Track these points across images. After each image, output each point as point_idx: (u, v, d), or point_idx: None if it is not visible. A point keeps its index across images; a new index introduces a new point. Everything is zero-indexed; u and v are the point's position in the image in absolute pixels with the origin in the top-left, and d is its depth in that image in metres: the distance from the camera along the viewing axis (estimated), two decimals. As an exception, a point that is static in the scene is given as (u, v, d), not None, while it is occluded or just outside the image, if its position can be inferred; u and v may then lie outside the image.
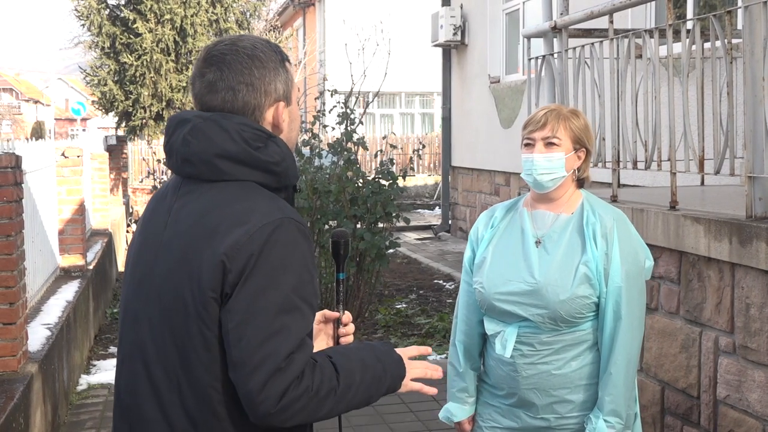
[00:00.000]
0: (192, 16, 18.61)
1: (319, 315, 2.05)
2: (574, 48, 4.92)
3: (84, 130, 47.19)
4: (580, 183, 2.66)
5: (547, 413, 2.58)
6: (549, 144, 2.56)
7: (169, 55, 18.77)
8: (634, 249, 2.56)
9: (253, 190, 1.76)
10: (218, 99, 1.81)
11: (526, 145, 2.61)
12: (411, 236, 13.55)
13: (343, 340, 2.03)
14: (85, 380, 6.10)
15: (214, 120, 1.78)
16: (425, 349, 2.00)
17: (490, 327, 2.65)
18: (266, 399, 1.63)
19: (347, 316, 2.05)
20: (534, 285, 2.53)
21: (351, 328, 2.06)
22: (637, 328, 2.53)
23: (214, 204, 1.75)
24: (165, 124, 2.23)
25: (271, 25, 25.30)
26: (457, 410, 2.79)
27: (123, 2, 19.16)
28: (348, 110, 7.66)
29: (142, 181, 20.22)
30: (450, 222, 13.36)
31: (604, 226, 2.53)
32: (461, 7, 12.39)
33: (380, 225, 7.54)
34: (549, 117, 2.57)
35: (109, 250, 9.34)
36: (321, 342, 2.04)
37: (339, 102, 7.83)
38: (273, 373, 1.63)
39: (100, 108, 20.05)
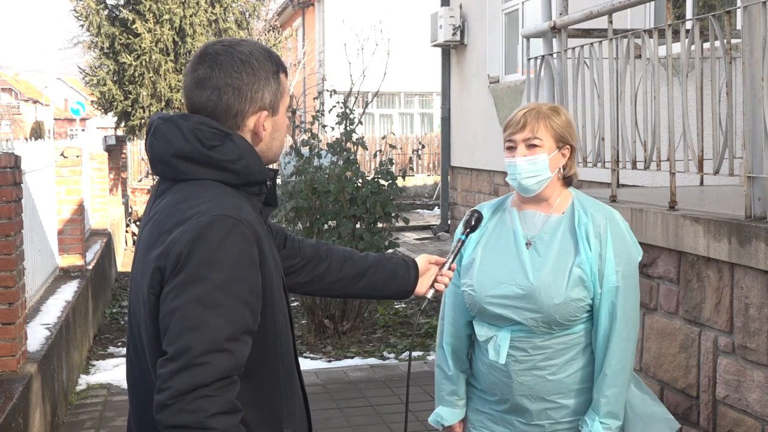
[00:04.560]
0: (191, 16, 18.58)
1: (431, 258, 2.37)
2: (574, 48, 4.92)
3: (83, 130, 47.28)
4: (568, 181, 2.57)
5: (542, 419, 2.53)
6: (531, 146, 2.48)
7: (168, 55, 18.75)
8: (627, 248, 2.49)
9: (208, 189, 1.78)
10: (203, 96, 1.83)
11: (508, 148, 2.52)
12: (410, 236, 13.55)
13: (439, 279, 2.34)
14: (84, 380, 6.10)
15: (172, 120, 1.81)
16: None
17: (481, 332, 2.58)
18: (168, 388, 1.64)
19: (453, 267, 2.36)
20: (527, 288, 2.46)
21: (450, 274, 2.36)
22: (632, 329, 2.48)
23: (169, 204, 1.79)
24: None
25: (271, 25, 25.27)
26: (447, 414, 2.71)
27: (122, 2, 19.13)
28: (347, 110, 7.66)
29: (140, 180, 20.22)
30: (449, 222, 13.36)
31: (597, 225, 2.47)
32: (460, 7, 12.39)
33: (379, 225, 7.53)
34: (528, 117, 2.48)
35: (108, 250, 9.33)
36: (424, 278, 2.36)
37: (338, 102, 7.83)
38: (184, 367, 1.64)
39: (99, 108, 20.02)
